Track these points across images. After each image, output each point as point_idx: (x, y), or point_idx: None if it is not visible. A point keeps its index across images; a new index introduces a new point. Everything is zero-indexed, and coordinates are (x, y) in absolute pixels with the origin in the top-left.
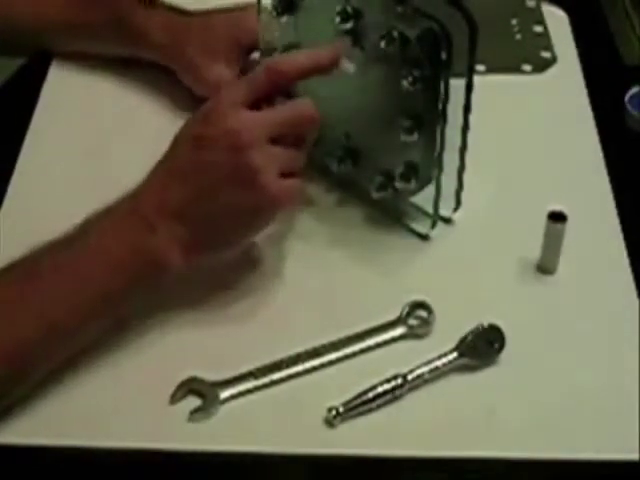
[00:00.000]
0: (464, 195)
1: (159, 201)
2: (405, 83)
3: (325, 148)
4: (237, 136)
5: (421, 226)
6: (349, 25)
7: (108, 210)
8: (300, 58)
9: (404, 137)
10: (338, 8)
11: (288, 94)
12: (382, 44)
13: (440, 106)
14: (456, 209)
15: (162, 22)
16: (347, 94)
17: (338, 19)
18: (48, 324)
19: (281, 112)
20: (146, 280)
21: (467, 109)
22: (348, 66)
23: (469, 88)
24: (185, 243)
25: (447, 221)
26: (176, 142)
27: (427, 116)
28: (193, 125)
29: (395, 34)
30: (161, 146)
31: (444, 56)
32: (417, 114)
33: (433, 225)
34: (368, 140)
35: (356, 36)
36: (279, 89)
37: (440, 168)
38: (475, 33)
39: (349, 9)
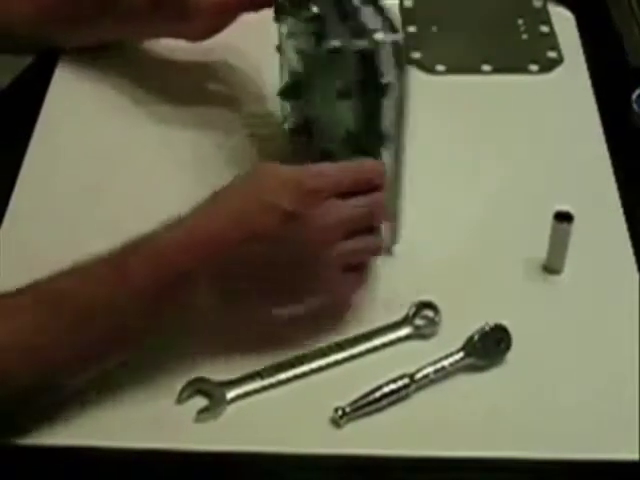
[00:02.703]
0: (470, 194)
1: (218, 259)
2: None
3: None
4: (325, 233)
5: None
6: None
7: (157, 252)
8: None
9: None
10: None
11: None
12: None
13: (380, 127)
14: (392, 245)
15: None
16: (343, 116)
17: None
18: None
19: (362, 206)
20: (171, 324)
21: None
22: None
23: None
24: (218, 309)
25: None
26: (258, 200)
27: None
28: (286, 195)
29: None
30: (167, 147)
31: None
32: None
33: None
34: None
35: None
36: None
37: (395, 194)
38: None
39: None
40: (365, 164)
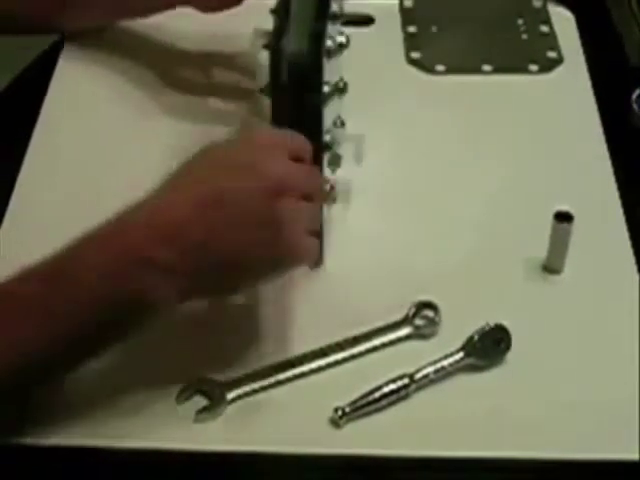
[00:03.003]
0: (470, 194)
1: (171, 235)
2: None
3: None
4: (279, 181)
5: None
6: None
7: (107, 234)
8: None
9: None
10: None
11: None
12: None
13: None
14: (316, 265)
15: None
16: None
17: None
18: (23, 364)
19: (315, 174)
20: (135, 320)
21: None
22: None
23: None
24: (185, 286)
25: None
26: (206, 166)
27: None
28: (230, 153)
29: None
30: (171, 143)
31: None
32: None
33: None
34: None
35: None
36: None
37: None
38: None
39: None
40: (297, 135)
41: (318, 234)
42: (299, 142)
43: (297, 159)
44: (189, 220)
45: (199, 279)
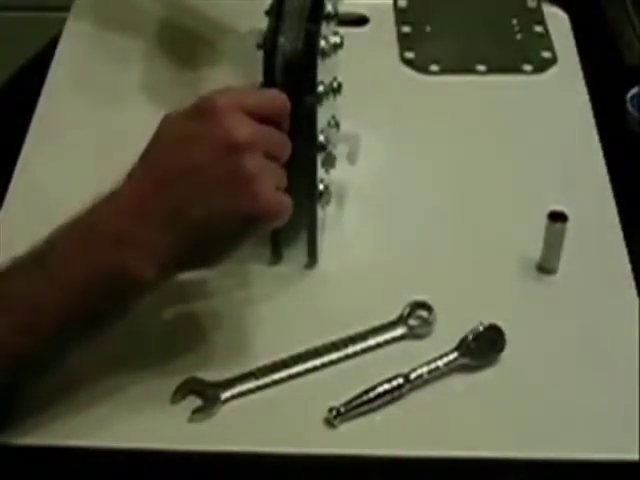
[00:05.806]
0: (464, 194)
1: (139, 210)
2: None
3: None
4: (235, 136)
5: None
6: None
7: (78, 221)
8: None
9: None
10: None
11: None
12: None
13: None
14: (310, 265)
15: None
16: None
17: None
18: (13, 355)
19: (277, 134)
20: (120, 300)
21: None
22: None
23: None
24: (164, 258)
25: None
26: (161, 139)
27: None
28: (184, 121)
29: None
30: None
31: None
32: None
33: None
34: None
35: None
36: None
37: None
38: None
39: None
40: (268, 93)
41: (287, 193)
42: (261, 101)
43: (262, 119)
44: (155, 194)
45: (178, 250)
